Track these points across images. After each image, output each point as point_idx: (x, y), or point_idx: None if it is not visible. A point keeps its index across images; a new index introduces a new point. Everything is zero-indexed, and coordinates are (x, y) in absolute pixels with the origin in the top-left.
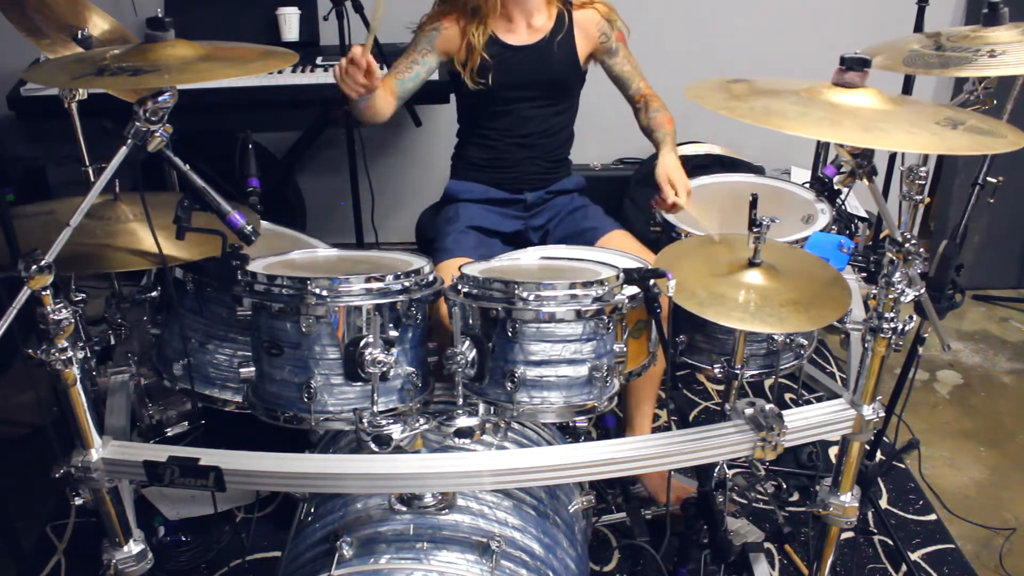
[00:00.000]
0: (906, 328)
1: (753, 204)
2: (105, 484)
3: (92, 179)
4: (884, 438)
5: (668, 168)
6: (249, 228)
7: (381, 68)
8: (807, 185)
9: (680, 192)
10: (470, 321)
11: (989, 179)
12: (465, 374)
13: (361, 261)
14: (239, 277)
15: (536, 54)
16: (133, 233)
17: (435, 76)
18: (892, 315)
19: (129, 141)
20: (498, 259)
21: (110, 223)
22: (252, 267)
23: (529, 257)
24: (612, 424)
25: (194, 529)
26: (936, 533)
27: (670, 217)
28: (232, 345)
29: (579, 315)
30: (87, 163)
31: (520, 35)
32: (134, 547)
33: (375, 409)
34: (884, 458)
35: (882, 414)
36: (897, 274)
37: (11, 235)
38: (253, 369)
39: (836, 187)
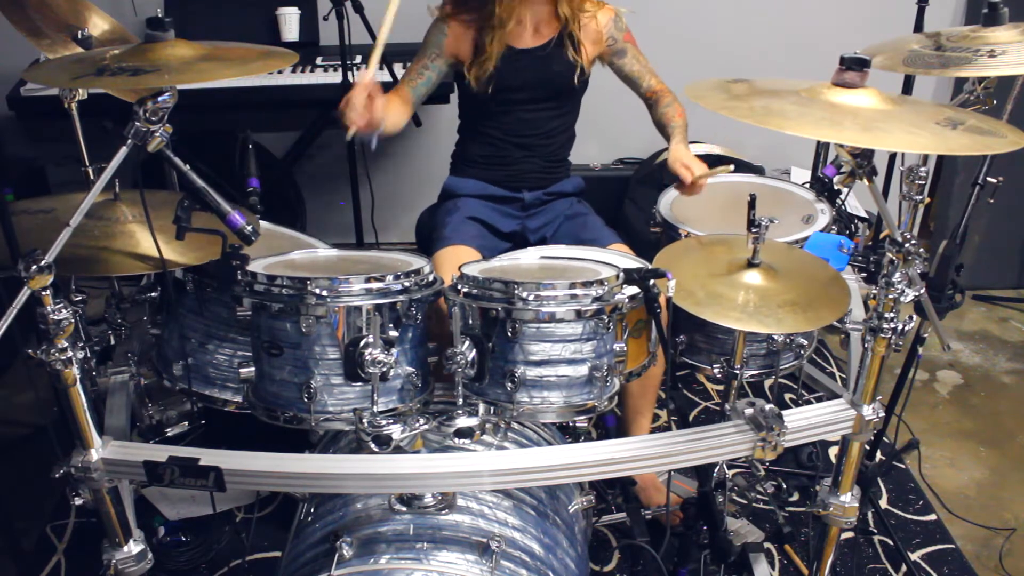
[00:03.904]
0: (906, 328)
1: (751, 205)
2: (105, 484)
3: (92, 179)
4: (884, 438)
5: (679, 155)
6: (249, 228)
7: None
8: (807, 185)
9: (696, 170)
10: (470, 321)
11: (989, 179)
12: (465, 374)
13: (361, 261)
14: (239, 277)
15: (540, 58)
16: (132, 235)
17: None
18: (892, 315)
19: (129, 141)
20: (498, 259)
21: (109, 224)
22: (252, 267)
23: (529, 257)
24: (612, 424)
25: (194, 529)
26: (936, 533)
27: (670, 217)
28: (232, 345)
29: (579, 315)
30: (87, 163)
31: (525, 39)
32: (134, 547)
33: (375, 409)
34: (884, 458)
35: (882, 414)
36: (897, 274)
37: (11, 235)
38: (253, 369)
39: (836, 187)
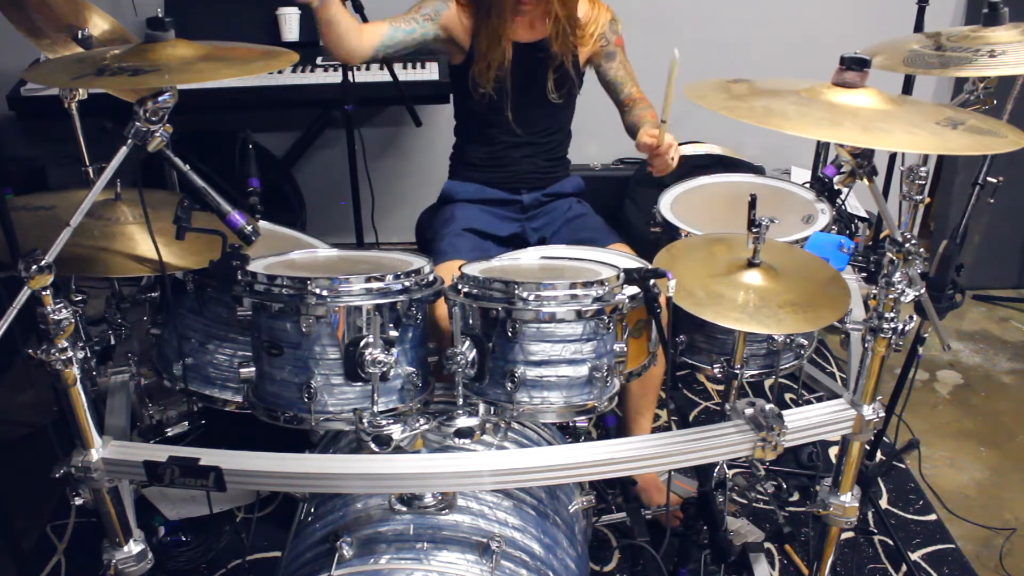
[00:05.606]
0: (906, 328)
1: (752, 204)
2: (105, 484)
3: (92, 179)
4: (884, 438)
5: (641, 138)
6: (249, 228)
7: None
8: (807, 185)
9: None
10: (470, 321)
11: (989, 179)
12: (465, 374)
13: (361, 261)
14: (239, 277)
15: (536, 53)
16: (132, 236)
17: (435, 76)
18: (892, 315)
19: (129, 141)
20: (498, 259)
21: (110, 224)
22: (252, 267)
23: (529, 257)
24: (612, 424)
25: (194, 529)
26: (936, 533)
27: (670, 217)
28: (232, 345)
29: (579, 315)
30: (87, 163)
31: (520, 34)
32: (134, 547)
33: (375, 409)
34: (884, 458)
35: (882, 414)
36: (897, 274)
37: (11, 235)
38: (253, 369)
39: (836, 187)
